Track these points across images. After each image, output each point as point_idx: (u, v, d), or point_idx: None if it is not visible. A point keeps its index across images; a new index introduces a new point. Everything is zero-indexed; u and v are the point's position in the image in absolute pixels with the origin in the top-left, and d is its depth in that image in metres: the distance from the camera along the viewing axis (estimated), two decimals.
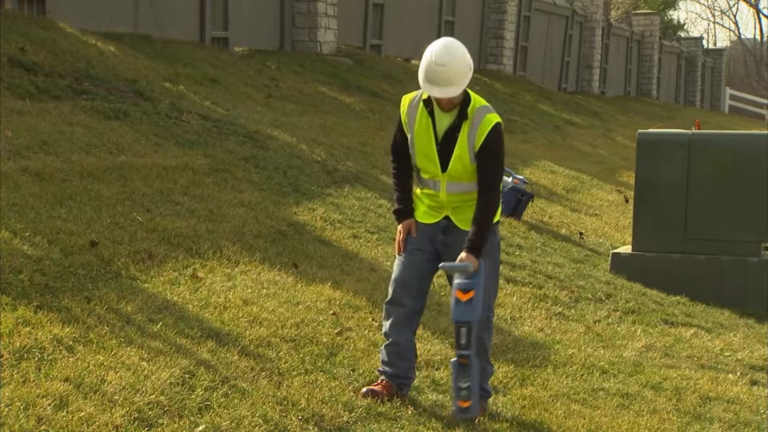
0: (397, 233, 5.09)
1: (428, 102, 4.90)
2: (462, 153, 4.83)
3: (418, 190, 5.09)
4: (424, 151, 4.92)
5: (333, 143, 11.08)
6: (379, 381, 5.00)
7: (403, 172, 5.09)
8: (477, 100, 4.90)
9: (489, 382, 5.15)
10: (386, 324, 5.03)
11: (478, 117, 4.82)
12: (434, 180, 4.95)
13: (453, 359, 4.81)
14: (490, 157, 4.82)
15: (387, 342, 5.04)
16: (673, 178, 8.99)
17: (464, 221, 4.93)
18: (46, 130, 8.00)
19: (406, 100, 5.02)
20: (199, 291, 5.83)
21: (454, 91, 4.75)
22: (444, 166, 4.88)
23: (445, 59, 4.71)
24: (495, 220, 4.99)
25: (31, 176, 6.94)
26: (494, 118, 4.85)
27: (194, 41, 14.52)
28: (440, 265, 4.89)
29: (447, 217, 4.99)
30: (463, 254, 4.78)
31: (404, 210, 5.07)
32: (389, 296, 5.03)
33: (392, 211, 5.19)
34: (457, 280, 4.75)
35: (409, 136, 4.96)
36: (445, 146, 4.86)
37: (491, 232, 4.94)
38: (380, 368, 5.05)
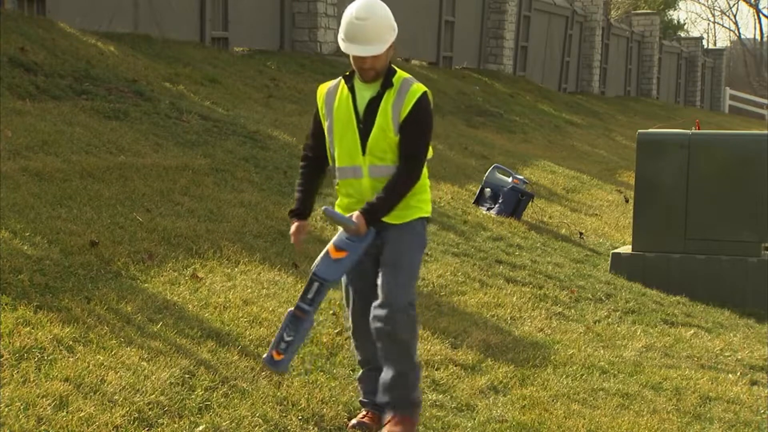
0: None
1: (349, 78, 4.51)
2: (384, 123, 4.41)
3: (337, 185, 4.62)
4: (343, 133, 4.49)
5: None
6: (365, 412, 4.64)
7: (309, 172, 4.67)
8: (402, 72, 4.51)
9: (419, 389, 4.63)
10: (359, 352, 4.66)
11: (405, 86, 4.43)
12: (354, 166, 4.50)
13: (289, 309, 4.41)
14: (417, 126, 4.40)
15: (365, 369, 4.68)
16: (673, 178, 8.99)
17: (391, 215, 4.46)
18: (46, 130, 8.00)
19: (323, 88, 4.62)
20: (199, 291, 5.83)
21: (375, 50, 4.34)
22: (365, 146, 4.44)
23: (366, 14, 4.36)
24: (425, 213, 4.59)
25: (31, 176, 6.94)
26: (422, 87, 4.44)
27: (194, 41, 14.52)
28: (323, 208, 4.43)
29: None
30: (355, 213, 4.36)
31: (298, 210, 4.65)
32: (352, 323, 4.62)
33: (288, 210, 4.76)
34: (336, 238, 4.37)
35: (326, 123, 4.54)
36: (367, 123, 4.44)
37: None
38: (362, 398, 4.70)
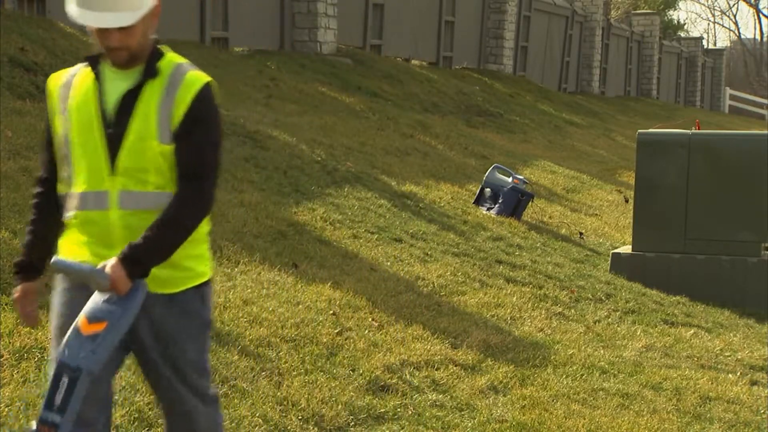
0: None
1: (95, 61, 3.10)
2: (144, 127, 3.02)
3: (70, 218, 3.13)
4: (83, 142, 3.06)
5: (333, 143, 11.09)
6: None
7: (47, 203, 3.21)
8: (174, 55, 3.16)
9: None
10: None
11: (178, 74, 3.07)
12: (98, 192, 3.05)
13: (30, 426, 2.97)
14: (201, 132, 3.05)
15: None
16: (673, 178, 9.00)
17: (153, 278, 3.00)
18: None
19: (56, 78, 3.19)
20: None
21: (123, 19, 2.94)
22: (115, 162, 3.03)
23: None
24: (201, 278, 3.18)
25: (31, 176, 6.93)
26: (204, 76, 3.11)
27: (194, 41, 14.52)
28: (53, 259, 3.02)
29: None
30: (111, 260, 2.92)
31: (24, 264, 3.24)
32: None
33: (13, 263, 3.32)
34: (88, 305, 2.93)
35: (61, 130, 3.11)
36: (120, 127, 3.03)
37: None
38: None
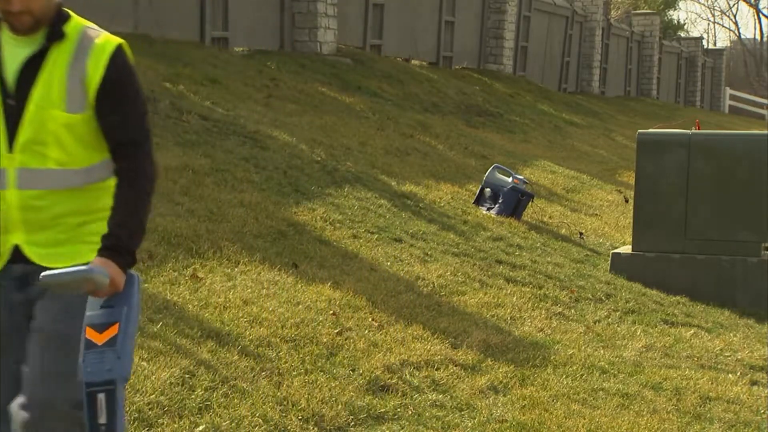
0: None
1: None
2: (46, 96, 2.82)
3: None
4: None
5: (333, 143, 11.08)
6: None
7: None
8: (81, 19, 3.02)
9: None
10: None
11: (87, 38, 2.91)
12: None
13: None
14: (124, 97, 2.93)
15: None
16: (673, 178, 9.00)
17: (50, 254, 2.84)
18: None
19: None
20: (199, 291, 5.83)
21: None
22: (14, 137, 2.82)
23: None
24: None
25: None
26: (115, 38, 2.98)
27: (194, 41, 14.52)
28: (42, 275, 2.72)
29: (18, 253, 2.86)
30: (96, 260, 2.76)
31: None
32: None
33: None
34: (88, 315, 2.78)
35: None
36: (21, 98, 2.82)
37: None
38: None
